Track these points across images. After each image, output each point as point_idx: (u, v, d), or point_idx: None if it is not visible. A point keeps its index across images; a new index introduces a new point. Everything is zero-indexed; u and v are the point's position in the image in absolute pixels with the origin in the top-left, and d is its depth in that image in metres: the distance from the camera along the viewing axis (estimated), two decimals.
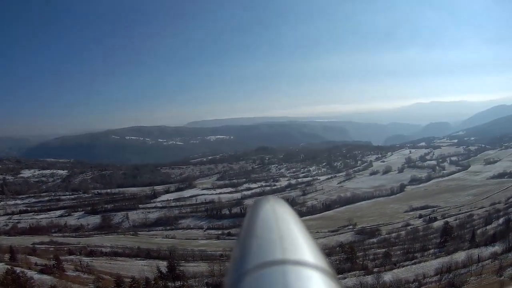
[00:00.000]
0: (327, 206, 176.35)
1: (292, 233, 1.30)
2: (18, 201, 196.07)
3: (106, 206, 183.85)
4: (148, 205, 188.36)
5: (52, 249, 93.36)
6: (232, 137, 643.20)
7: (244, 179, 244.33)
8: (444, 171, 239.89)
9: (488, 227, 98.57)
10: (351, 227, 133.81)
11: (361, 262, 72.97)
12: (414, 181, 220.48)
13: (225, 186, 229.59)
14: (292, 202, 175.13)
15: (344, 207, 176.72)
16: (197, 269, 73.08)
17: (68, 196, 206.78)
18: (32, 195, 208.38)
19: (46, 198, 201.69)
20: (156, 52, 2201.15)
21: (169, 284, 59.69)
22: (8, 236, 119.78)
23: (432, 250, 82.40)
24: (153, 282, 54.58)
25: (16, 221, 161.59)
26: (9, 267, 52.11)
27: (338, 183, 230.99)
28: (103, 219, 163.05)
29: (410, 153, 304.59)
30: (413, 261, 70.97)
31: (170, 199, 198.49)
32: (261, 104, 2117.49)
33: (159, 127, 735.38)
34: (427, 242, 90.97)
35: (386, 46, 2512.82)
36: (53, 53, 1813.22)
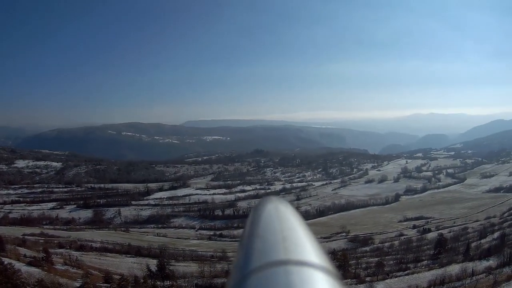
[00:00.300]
0: (321, 212, 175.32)
1: (295, 234, 1.31)
2: (11, 191, 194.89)
3: (98, 201, 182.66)
4: (141, 202, 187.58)
5: (42, 241, 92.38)
6: (228, 138, 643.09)
7: (238, 181, 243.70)
8: (439, 183, 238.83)
9: (482, 240, 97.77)
10: (344, 234, 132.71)
11: (353, 271, 72.15)
12: (409, 191, 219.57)
13: (219, 187, 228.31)
14: None
15: (338, 214, 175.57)
16: (187, 269, 72.25)
17: (61, 189, 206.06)
18: (25, 185, 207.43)
19: (39, 190, 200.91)
20: (158, 50, 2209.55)
21: (158, 283, 58.80)
22: None
23: (426, 261, 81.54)
24: (142, 280, 53.70)
25: (8, 211, 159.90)
26: None
27: (333, 190, 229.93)
28: (95, 214, 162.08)
29: (407, 163, 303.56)
30: (406, 272, 70.10)
31: (163, 197, 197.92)
32: (258, 107, 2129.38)
33: (156, 125, 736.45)
34: (420, 253, 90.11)
35: (388, 56, 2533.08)
36: (53, 46, 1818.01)
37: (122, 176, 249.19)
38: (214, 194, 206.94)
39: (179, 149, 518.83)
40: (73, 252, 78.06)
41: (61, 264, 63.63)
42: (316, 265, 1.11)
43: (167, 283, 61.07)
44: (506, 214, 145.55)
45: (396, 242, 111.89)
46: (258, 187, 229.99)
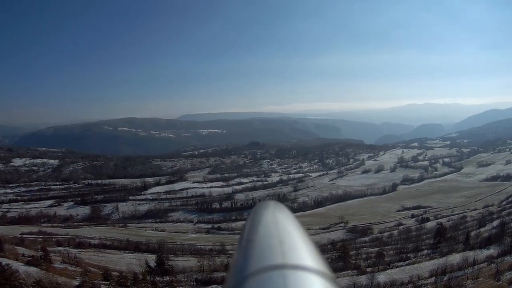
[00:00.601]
0: (319, 203, 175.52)
1: (292, 238, 1.32)
2: (8, 190, 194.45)
3: (96, 197, 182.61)
4: (139, 197, 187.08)
5: (40, 239, 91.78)
6: (224, 131, 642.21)
7: (235, 174, 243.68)
8: (436, 172, 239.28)
9: (482, 229, 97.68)
10: (342, 224, 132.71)
11: (353, 262, 71.88)
12: (406, 180, 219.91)
13: (216, 180, 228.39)
14: (283, 198, 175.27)
15: (335, 204, 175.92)
16: (186, 263, 72.00)
17: (58, 186, 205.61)
18: (23, 184, 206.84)
19: (36, 188, 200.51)
20: (152, 46, 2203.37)
21: (158, 279, 58.44)
22: None
23: (426, 251, 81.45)
24: (141, 277, 53.20)
25: (6, 210, 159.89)
26: None
27: (330, 180, 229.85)
28: (92, 210, 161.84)
29: (403, 153, 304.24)
30: (406, 262, 69.93)
31: (161, 192, 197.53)
32: (254, 100, 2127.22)
33: (152, 119, 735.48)
34: (420, 243, 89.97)
35: (382, 47, 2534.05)
36: (48, 44, 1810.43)
37: (119, 171, 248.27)
38: (211, 187, 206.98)
39: (176, 143, 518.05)
40: (72, 249, 77.62)
41: (59, 262, 63.17)
42: (313, 269, 1.12)
43: (167, 278, 60.71)
44: (504, 203, 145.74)
45: (395, 232, 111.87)
46: (255, 179, 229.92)
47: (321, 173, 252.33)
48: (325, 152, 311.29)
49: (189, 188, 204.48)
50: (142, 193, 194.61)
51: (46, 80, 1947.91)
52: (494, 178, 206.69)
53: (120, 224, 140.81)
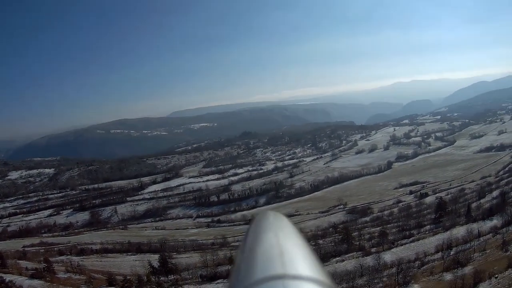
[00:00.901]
0: (316, 187, 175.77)
1: (292, 248, 1.32)
2: (7, 204, 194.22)
3: (94, 201, 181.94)
4: (136, 198, 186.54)
5: (42, 250, 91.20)
6: (215, 124, 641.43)
7: (230, 165, 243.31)
8: (430, 147, 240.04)
9: (482, 200, 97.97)
10: (341, 206, 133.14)
11: (357, 243, 71.82)
12: (400, 158, 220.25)
13: (212, 173, 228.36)
14: (279, 185, 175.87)
15: (332, 187, 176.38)
16: (190, 260, 71.55)
17: (55, 195, 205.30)
18: (20, 196, 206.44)
19: (34, 199, 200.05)
20: (137, 45, 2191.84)
21: (162, 279, 57.97)
22: None
23: (428, 226, 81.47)
24: (145, 278, 52.67)
25: (6, 224, 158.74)
26: None
27: (325, 164, 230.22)
28: (91, 215, 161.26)
29: (395, 130, 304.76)
30: (411, 239, 69.85)
31: (158, 190, 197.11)
32: (242, 91, 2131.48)
33: (143, 119, 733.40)
34: (421, 218, 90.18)
35: (364, 28, 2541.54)
36: (33, 53, 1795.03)
37: (115, 173, 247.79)
38: (207, 180, 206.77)
39: (169, 140, 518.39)
40: (74, 257, 77.01)
41: (63, 272, 62.40)
42: (313, 279, 1.11)
43: (171, 277, 60.26)
44: (501, 173, 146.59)
45: (395, 210, 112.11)
46: (250, 168, 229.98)
47: (315, 157, 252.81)
48: (317, 136, 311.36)
49: (186, 183, 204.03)
50: (139, 193, 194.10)
51: (35, 91, 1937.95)
52: (488, 149, 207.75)
53: (120, 227, 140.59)
